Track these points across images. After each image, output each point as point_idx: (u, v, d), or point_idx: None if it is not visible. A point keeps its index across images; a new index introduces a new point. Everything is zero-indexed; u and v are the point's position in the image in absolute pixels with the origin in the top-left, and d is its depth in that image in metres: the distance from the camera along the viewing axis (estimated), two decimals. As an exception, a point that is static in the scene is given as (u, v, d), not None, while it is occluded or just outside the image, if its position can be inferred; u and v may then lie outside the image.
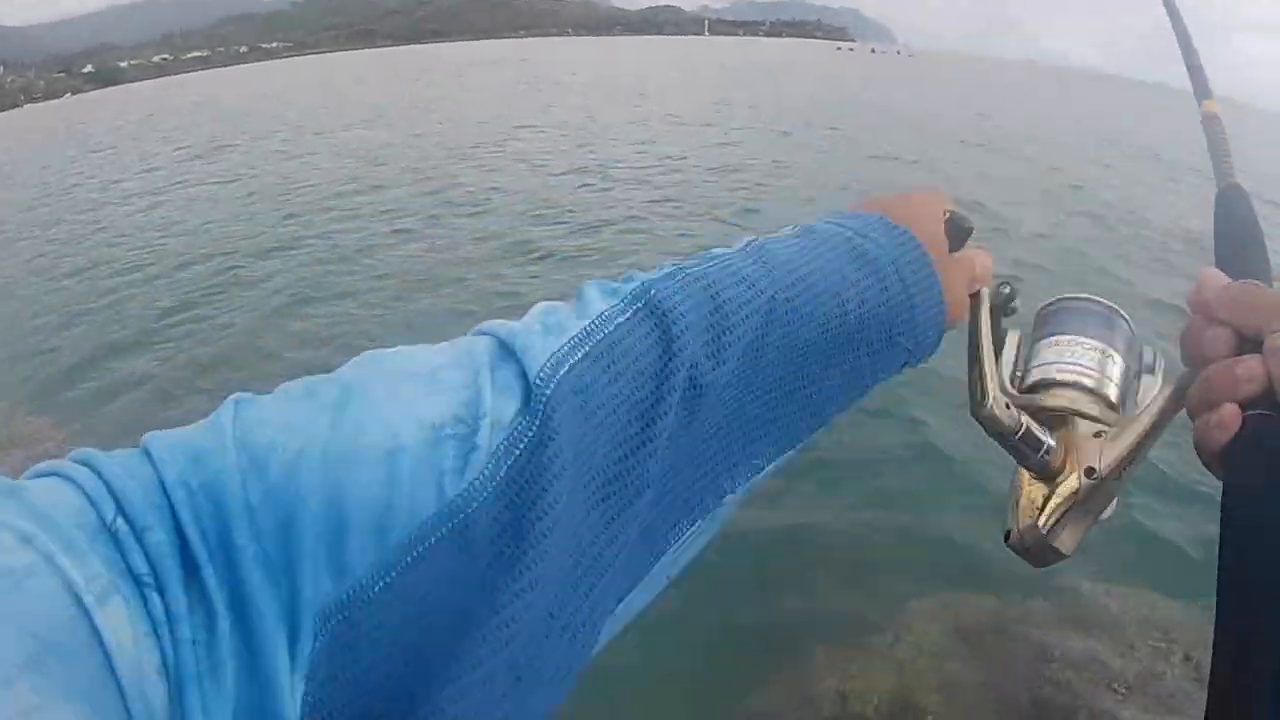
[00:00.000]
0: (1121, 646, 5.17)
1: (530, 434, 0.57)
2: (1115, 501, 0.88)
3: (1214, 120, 1.16)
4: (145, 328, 10.52)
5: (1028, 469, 0.88)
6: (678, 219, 14.90)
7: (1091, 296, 1.00)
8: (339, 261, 12.80)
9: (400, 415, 0.56)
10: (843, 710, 4.77)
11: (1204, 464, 0.76)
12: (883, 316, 0.78)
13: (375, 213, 15.77)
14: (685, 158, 21.01)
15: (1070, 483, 0.85)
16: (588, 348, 0.62)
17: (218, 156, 25.28)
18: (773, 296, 0.71)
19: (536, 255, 12.55)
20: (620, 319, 0.64)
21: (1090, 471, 0.84)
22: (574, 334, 0.62)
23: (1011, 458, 0.89)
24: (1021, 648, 5.15)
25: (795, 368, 0.75)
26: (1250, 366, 0.72)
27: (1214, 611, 0.67)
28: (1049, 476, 0.86)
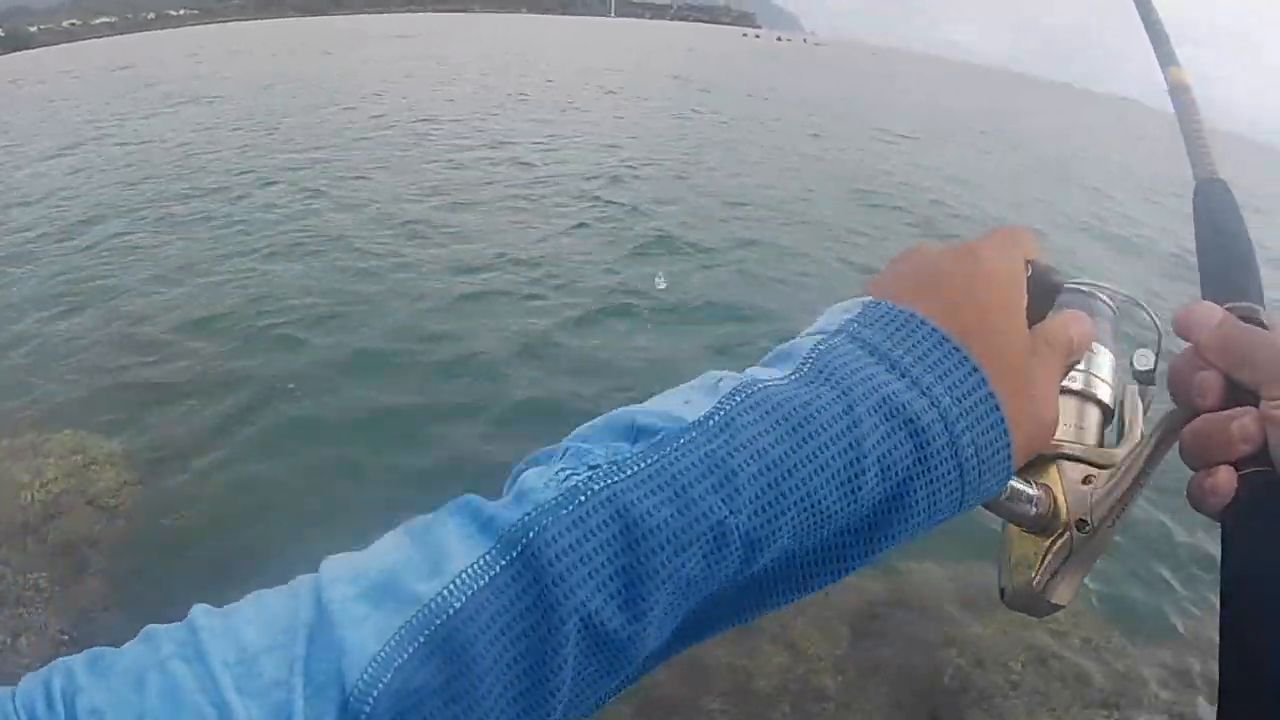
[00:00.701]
0: (1018, 630, 5.35)
1: None
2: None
3: (1184, 92, 1.00)
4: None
5: (1016, 524, 0.83)
6: (552, 197, 15.60)
7: (1063, 277, 0.91)
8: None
9: None
10: (737, 685, 4.90)
11: (1194, 508, 0.76)
12: (911, 510, 0.62)
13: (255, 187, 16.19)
14: (565, 137, 21.84)
15: (1063, 538, 0.81)
16: (427, 632, 0.50)
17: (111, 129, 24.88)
18: (723, 521, 0.55)
19: (408, 225, 13.34)
20: (481, 581, 0.51)
21: (1082, 525, 0.80)
22: (410, 616, 0.50)
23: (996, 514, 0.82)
24: (918, 629, 5.36)
25: (760, 596, 0.63)
26: (1245, 427, 0.70)
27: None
28: (1039, 530, 0.82)
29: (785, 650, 5.17)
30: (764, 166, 19.65)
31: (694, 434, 0.57)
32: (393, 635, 0.50)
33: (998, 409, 0.63)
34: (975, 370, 0.63)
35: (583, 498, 0.53)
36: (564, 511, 0.53)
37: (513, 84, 37.57)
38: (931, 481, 0.61)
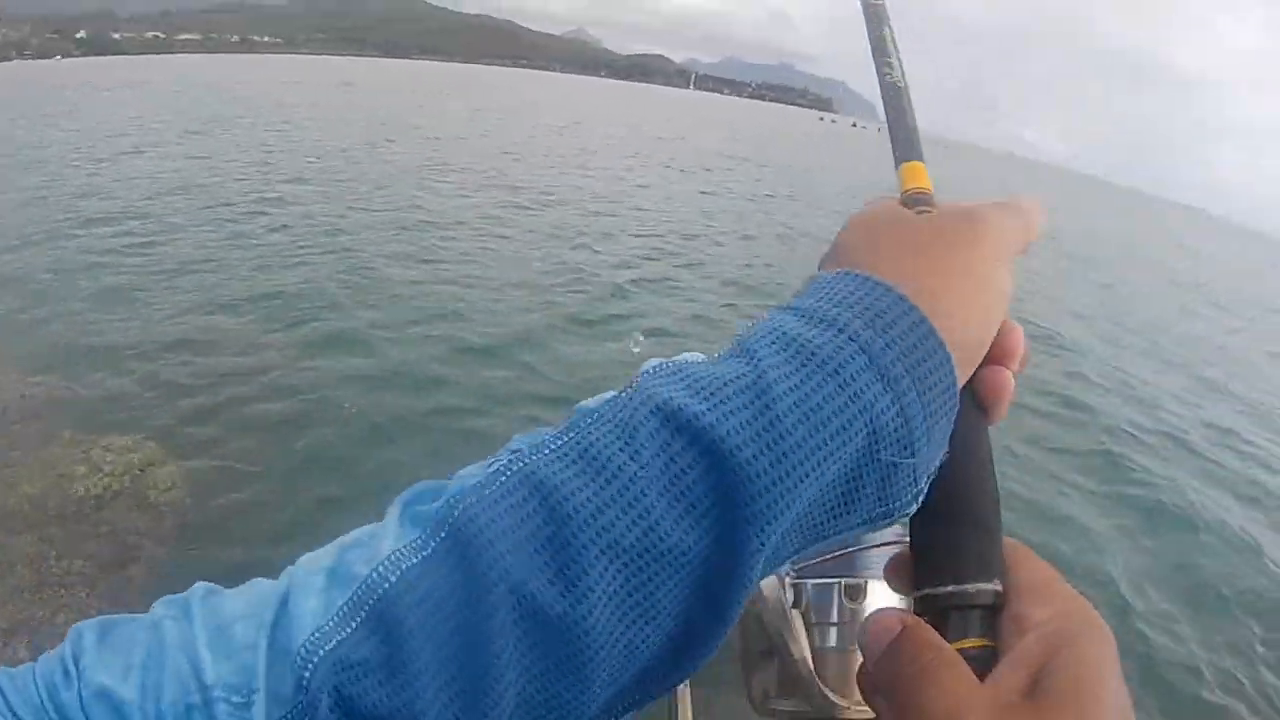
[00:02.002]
0: None
1: None
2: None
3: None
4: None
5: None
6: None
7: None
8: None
9: (183, 678, 0.53)
10: None
11: None
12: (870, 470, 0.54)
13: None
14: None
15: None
16: (366, 609, 0.52)
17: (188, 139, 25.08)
18: (633, 475, 0.52)
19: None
20: (412, 560, 0.53)
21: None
22: (350, 595, 0.53)
23: None
24: None
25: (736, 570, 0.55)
26: None
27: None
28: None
29: None
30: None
31: (607, 408, 0.56)
32: (336, 611, 0.52)
33: (946, 362, 0.56)
34: (934, 341, 0.56)
35: (504, 477, 0.54)
36: (487, 490, 0.53)
37: (581, 144, 37.97)
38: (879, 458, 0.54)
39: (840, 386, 0.52)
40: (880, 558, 0.98)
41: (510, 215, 18.01)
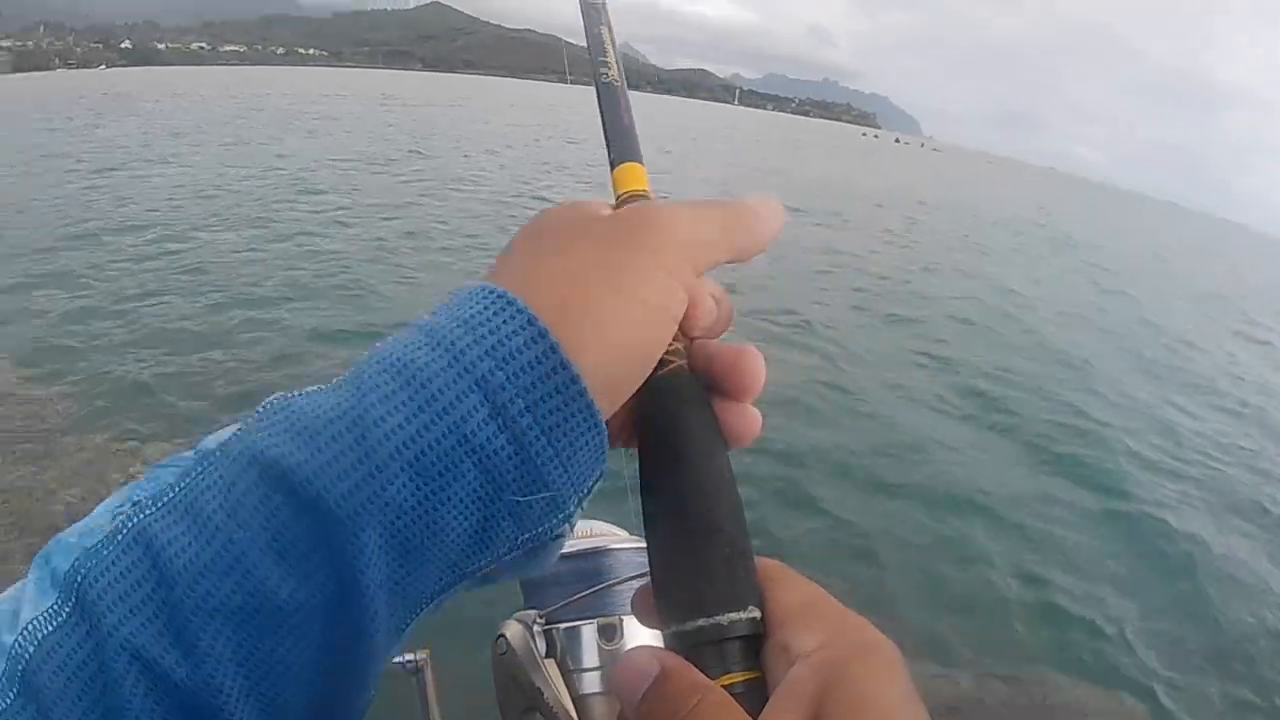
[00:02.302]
0: None
1: None
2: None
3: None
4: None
5: None
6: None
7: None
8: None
9: None
10: None
11: None
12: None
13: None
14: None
15: None
16: (17, 680, 0.48)
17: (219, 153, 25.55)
18: (232, 539, 0.49)
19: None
20: (48, 629, 0.48)
21: None
22: (2, 666, 0.48)
23: None
24: None
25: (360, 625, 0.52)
26: None
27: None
28: None
29: None
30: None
31: (218, 454, 0.51)
32: None
33: (572, 386, 0.50)
34: (559, 363, 0.51)
35: (120, 535, 0.49)
36: (105, 552, 0.49)
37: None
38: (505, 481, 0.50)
39: (450, 427, 0.49)
40: (630, 591, 0.75)
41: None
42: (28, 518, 6.30)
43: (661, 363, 0.57)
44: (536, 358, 0.50)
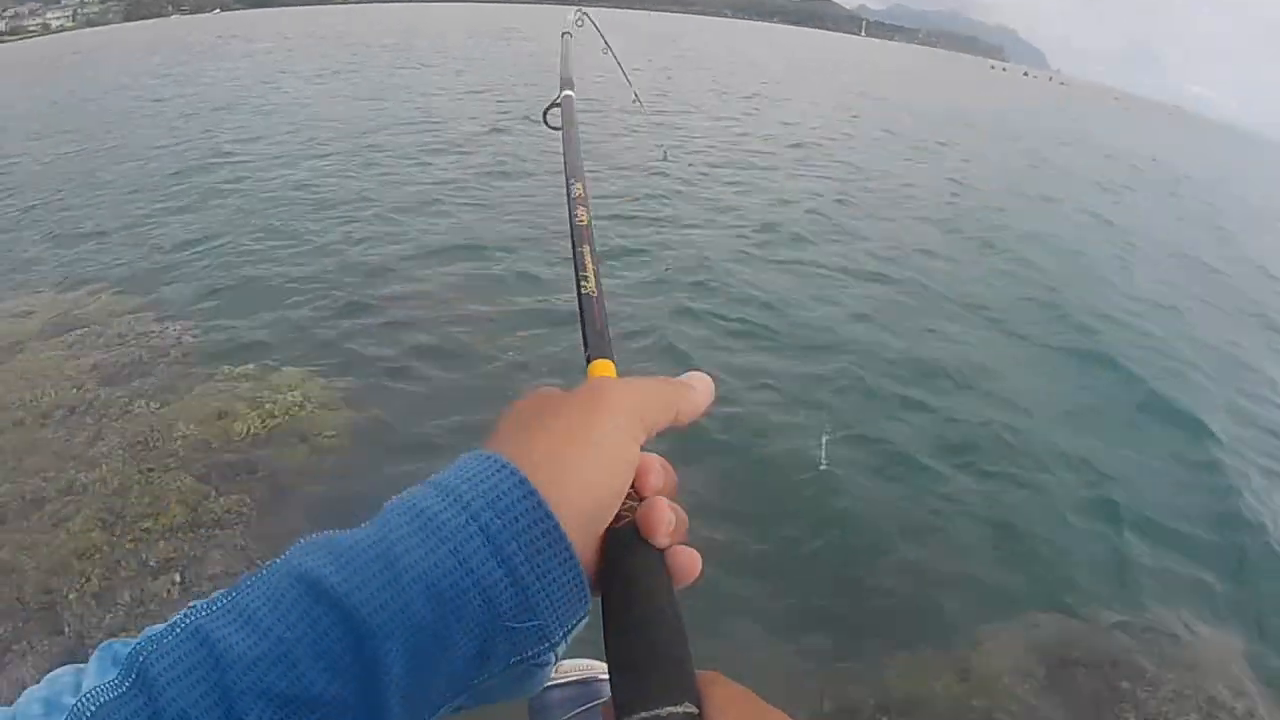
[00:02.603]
0: (1199, 693, 5.08)
1: None
2: None
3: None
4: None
5: None
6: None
7: (561, 678, 1.09)
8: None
9: None
10: (912, 709, 4.83)
11: None
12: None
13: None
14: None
15: None
16: None
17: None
18: (281, 638, 0.60)
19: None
20: (109, 696, 0.59)
21: None
22: None
23: None
24: (1098, 680, 5.13)
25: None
26: None
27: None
28: None
29: (963, 680, 5.04)
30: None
31: (263, 574, 0.63)
32: None
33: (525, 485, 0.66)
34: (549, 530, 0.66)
35: (178, 629, 0.61)
36: (165, 640, 0.61)
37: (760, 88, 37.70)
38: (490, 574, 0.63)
39: (459, 562, 0.62)
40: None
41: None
42: (147, 449, 6.62)
43: (619, 517, 0.73)
44: (526, 509, 0.65)
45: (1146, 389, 9.16)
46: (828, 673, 4.97)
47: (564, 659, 0.98)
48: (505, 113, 22.64)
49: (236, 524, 5.83)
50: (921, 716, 4.77)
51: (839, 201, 16.30)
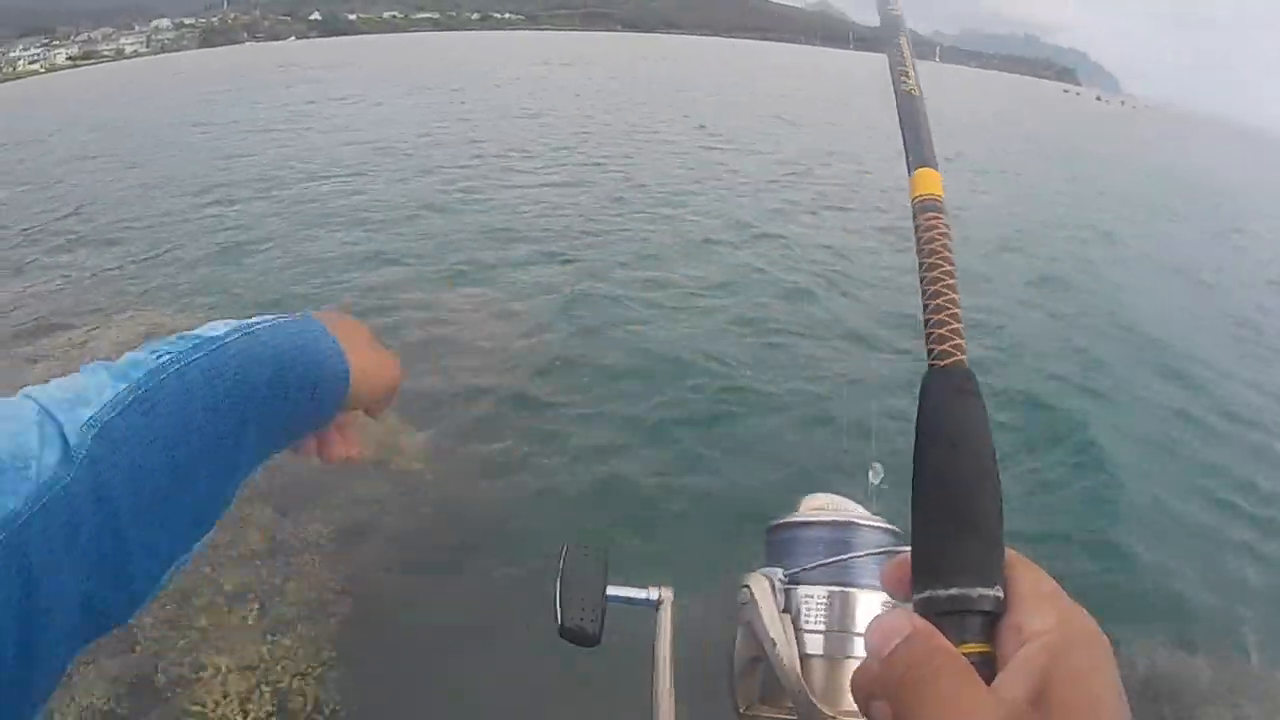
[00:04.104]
0: None
1: (66, 479, 0.71)
2: None
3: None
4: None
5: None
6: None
7: (816, 515, 1.02)
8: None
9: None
10: None
11: None
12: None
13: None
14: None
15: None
16: (135, 393, 0.81)
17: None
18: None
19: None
20: (177, 365, 0.85)
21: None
22: (103, 403, 0.78)
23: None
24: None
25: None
26: None
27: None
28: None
29: None
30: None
31: (216, 342, 0.91)
32: (92, 414, 0.77)
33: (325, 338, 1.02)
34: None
35: (164, 375, 0.84)
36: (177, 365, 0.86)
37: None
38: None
39: (261, 344, 0.93)
40: (873, 566, 0.97)
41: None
42: None
43: (944, 354, 0.63)
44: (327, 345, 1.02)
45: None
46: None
47: (816, 492, 1.08)
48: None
49: (314, 553, 5.75)
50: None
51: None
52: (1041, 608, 0.55)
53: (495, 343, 9.07)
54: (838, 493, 1.09)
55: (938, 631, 0.54)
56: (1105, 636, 0.54)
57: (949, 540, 0.57)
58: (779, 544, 1.04)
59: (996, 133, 41.51)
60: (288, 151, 21.05)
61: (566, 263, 11.80)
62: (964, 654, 0.53)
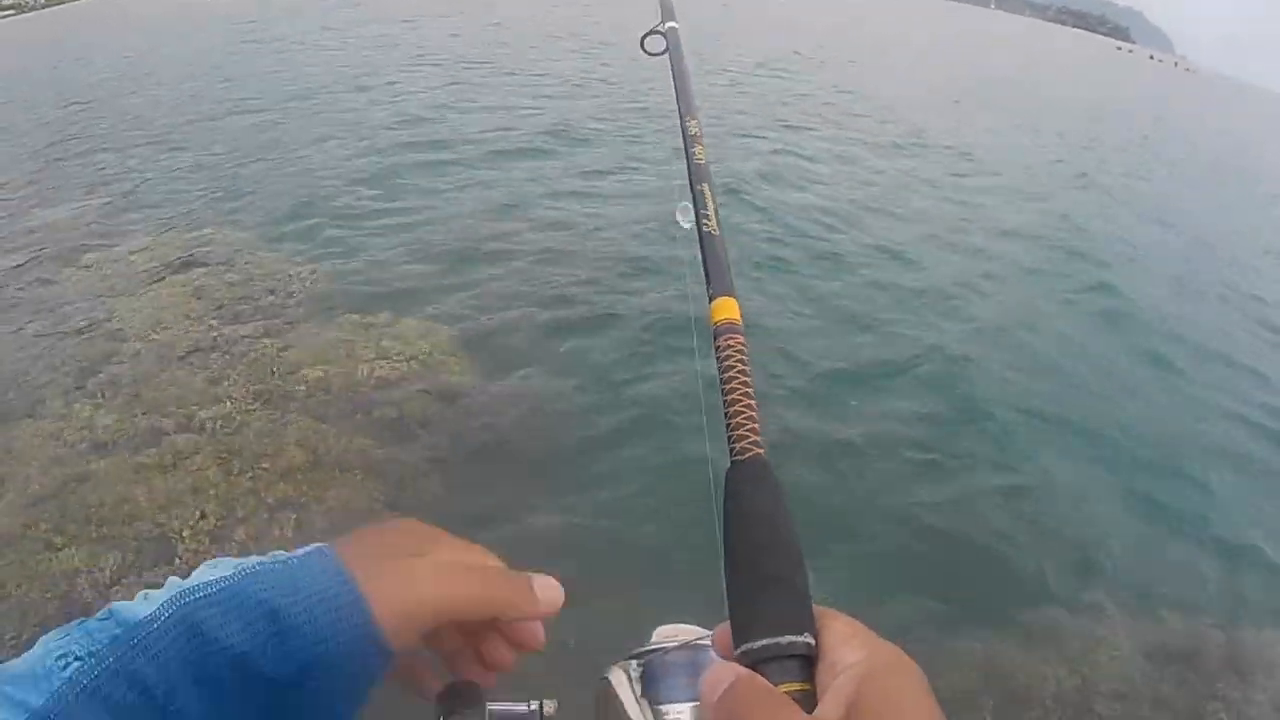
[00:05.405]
0: None
1: None
2: None
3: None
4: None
5: None
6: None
7: (666, 644, 1.00)
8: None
9: None
10: (1024, 693, 4.74)
11: None
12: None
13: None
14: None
15: None
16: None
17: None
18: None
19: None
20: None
21: None
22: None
23: None
24: (1213, 686, 4.97)
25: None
26: None
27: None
28: None
29: (1077, 669, 4.95)
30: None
31: (141, 630, 0.65)
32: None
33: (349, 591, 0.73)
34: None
35: (71, 697, 0.61)
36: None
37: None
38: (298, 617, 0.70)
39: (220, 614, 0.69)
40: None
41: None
42: (268, 389, 6.55)
43: (743, 449, 0.75)
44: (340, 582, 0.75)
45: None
46: (935, 651, 4.85)
47: (662, 625, 1.07)
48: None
49: (355, 467, 5.69)
50: (1029, 704, 4.70)
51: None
52: (851, 645, 0.64)
53: (551, 276, 8.98)
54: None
55: (758, 675, 0.62)
56: (914, 663, 0.64)
57: (757, 601, 0.67)
58: (648, 678, 1.03)
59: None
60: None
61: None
62: (785, 693, 0.61)
